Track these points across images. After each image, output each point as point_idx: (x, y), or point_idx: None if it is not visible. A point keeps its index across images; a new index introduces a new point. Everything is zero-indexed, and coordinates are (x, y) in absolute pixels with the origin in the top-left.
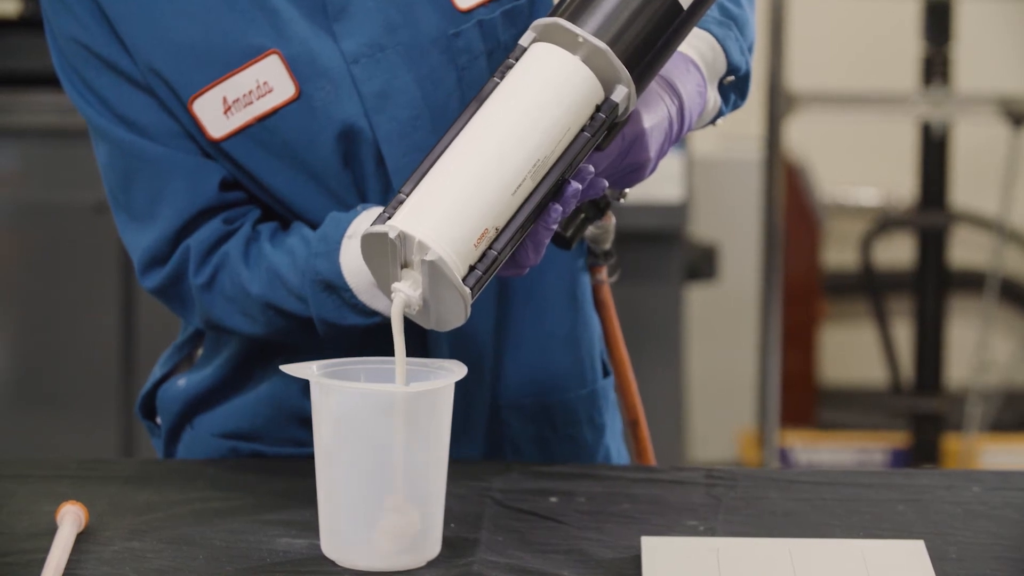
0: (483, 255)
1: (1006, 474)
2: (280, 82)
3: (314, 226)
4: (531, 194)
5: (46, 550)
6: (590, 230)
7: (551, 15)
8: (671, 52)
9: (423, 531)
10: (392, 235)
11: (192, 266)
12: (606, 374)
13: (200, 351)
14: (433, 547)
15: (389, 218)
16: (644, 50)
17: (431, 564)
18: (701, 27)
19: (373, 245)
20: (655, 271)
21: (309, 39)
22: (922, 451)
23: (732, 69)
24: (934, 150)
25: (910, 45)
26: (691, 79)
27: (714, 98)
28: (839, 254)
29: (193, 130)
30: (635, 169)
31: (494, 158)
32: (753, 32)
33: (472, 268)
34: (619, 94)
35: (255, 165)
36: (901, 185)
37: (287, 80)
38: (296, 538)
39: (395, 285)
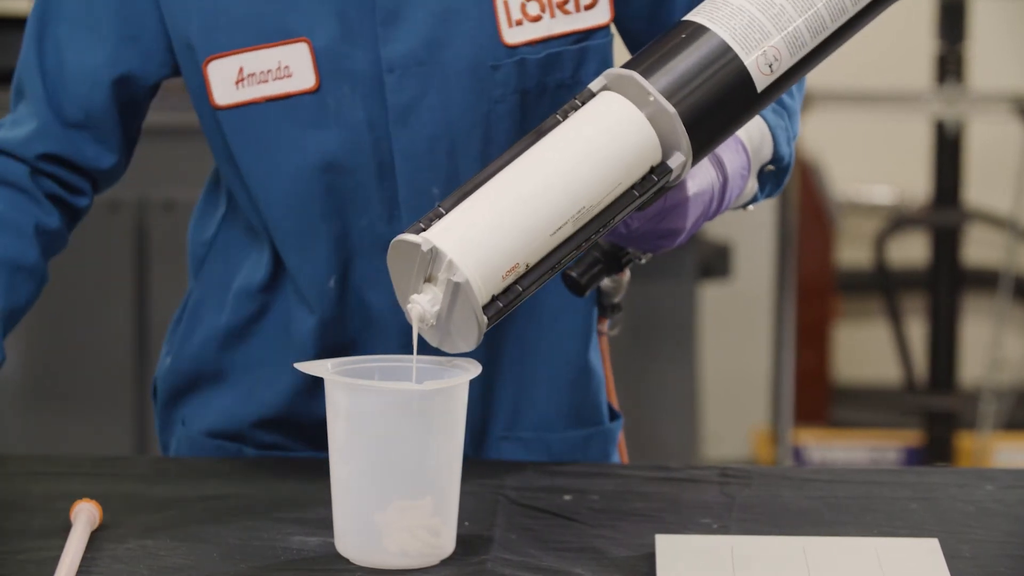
0: (508, 288)
1: (1019, 472)
2: (302, 71)
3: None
4: (567, 239)
5: (60, 548)
6: (604, 281)
7: (626, 66)
8: (734, 130)
9: (437, 529)
10: (424, 248)
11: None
12: (613, 418)
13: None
14: (447, 545)
15: (424, 229)
16: (709, 122)
17: (445, 562)
18: None
19: (402, 252)
20: (669, 269)
21: (345, 38)
22: (935, 449)
23: (776, 158)
24: (948, 148)
25: (924, 43)
26: (738, 159)
27: (753, 184)
28: (853, 252)
29: (199, 93)
30: (667, 235)
31: (541, 195)
32: (798, 123)
33: (494, 299)
34: (676, 160)
35: (241, 148)
36: (915, 183)
37: (310, 71)
38: (310, 536)
39: (413, 297)
